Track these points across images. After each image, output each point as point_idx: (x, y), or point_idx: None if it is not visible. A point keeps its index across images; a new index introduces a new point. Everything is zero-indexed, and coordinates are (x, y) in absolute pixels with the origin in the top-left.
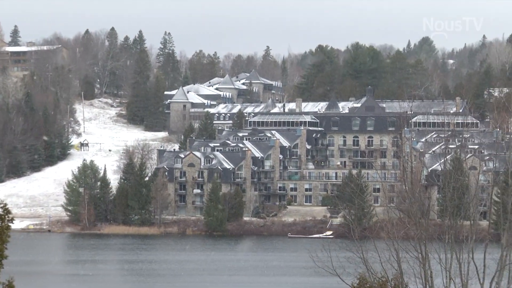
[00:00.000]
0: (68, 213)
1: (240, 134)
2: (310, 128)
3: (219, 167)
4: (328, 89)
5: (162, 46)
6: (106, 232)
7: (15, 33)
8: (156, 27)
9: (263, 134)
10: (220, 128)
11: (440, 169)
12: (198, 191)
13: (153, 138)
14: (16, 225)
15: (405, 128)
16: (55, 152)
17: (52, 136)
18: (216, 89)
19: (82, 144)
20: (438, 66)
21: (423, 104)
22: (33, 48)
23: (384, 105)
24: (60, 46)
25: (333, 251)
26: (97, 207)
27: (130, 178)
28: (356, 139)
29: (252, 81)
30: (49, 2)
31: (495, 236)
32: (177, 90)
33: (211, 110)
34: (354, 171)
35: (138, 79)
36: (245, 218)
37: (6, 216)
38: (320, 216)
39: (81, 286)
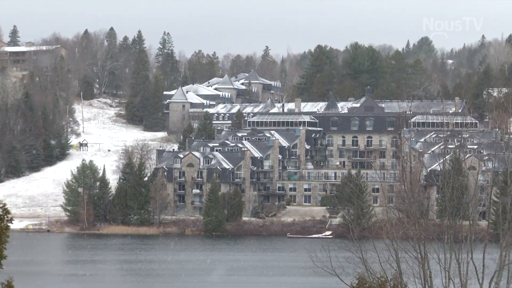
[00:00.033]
0: (67, 213)
1: (239, 134)
2: (309, 128)
3: (218, 167)
4: (327, 89)
5: (161, 46)
6: (105, 232)
7: (14, 33)
8: (156, 27)
9: (262, 134)
10: (219, 128)
11: (439, 169)
12: (197, 191)
13: (152, 138)
14: (15, 225)
15: (404, 128)
16: (54, 152)
17: (51, 136)
18: (215, 89)
19: (81, 144)
20: (437, 66)
21: (422, 104)
22: (32, 48)
23: (383, 105)
24: (59, 46)
25: (332, 251)
26: (96, 207)
27: (129, 178)
28: (355, 139)
29: (251, 81)
30: (49, 2)
31: (494, 236)
32: (176, 90)
33: (210, 110)
34: (353, 171)
35: (137, 79)
36: (244, 218)
37: (5, 216)
38: (319, 216)
39: (80, 286)
